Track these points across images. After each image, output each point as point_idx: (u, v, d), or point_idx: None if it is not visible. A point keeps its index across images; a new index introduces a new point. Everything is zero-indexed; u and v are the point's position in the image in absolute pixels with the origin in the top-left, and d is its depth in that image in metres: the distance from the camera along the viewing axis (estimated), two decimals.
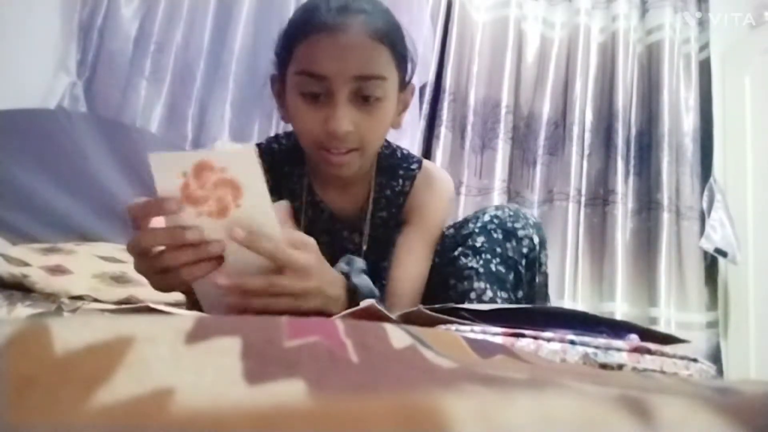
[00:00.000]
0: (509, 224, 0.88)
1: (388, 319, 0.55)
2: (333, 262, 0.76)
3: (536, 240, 0.89)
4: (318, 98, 0.77)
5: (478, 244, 0.87)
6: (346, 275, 0.74)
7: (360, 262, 0.81)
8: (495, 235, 0.87)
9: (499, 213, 0.90)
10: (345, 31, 0.75)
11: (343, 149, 0.79)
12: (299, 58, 0.77)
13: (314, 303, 0.65)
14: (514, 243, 0.87)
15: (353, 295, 0.72)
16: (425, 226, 0.94)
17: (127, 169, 1.70)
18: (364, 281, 0.75)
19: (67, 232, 1.51)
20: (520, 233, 0.88)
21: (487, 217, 0.89)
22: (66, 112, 1.78)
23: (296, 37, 0.78)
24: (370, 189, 0.95)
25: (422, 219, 0.95)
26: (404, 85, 0.86)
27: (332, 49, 0.74)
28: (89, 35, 1.94)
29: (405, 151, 0.99)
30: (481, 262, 0.86)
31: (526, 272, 0.88)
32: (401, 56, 0.82)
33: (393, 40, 0.79)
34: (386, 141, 0.95)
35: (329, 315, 0.65)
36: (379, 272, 0.96)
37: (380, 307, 0.56)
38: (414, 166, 0.97)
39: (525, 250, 0.87)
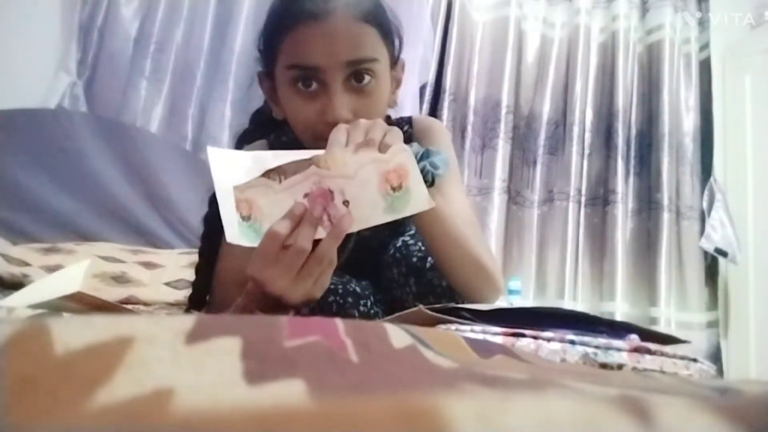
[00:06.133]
0: (413, 259, 0.81)
1: (440, 321, 0.54)
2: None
3: (445, 282, 0.78)
4: (311, 89, 0.74)
5: (394, 275, 0.82)
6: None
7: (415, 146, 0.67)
8: (402, 269, 0.82)
9: (410, 242, 0.83)
10: (330, 16, 0.71)
11: None
12: (287, 51, 0.74)
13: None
14: (418, 279, 0.80)
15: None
16: None
17: (127, 169, 1.70)
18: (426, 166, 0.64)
19: (67, 232, 1.51)
20: (429, 275, 0.79)
21: (399, 242, 0.83)
22: (66, 112, 1.78)
23: (281, 29, 0.74)
24: None
25: None
26: (395, 61, 0.83)
27: (320, 38, 0.71)
28: (89, 35, 1.94)
29: (394, 119, 0.94)
30: (407, 289, 0.82)
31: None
32: (388, 33, 0.79)
33: (379, 19, 0.76)
34: None
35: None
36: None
37: (427, 310, 0.53)
38: (405, 127, 0.93)
39: (438, 291, 0.78)
